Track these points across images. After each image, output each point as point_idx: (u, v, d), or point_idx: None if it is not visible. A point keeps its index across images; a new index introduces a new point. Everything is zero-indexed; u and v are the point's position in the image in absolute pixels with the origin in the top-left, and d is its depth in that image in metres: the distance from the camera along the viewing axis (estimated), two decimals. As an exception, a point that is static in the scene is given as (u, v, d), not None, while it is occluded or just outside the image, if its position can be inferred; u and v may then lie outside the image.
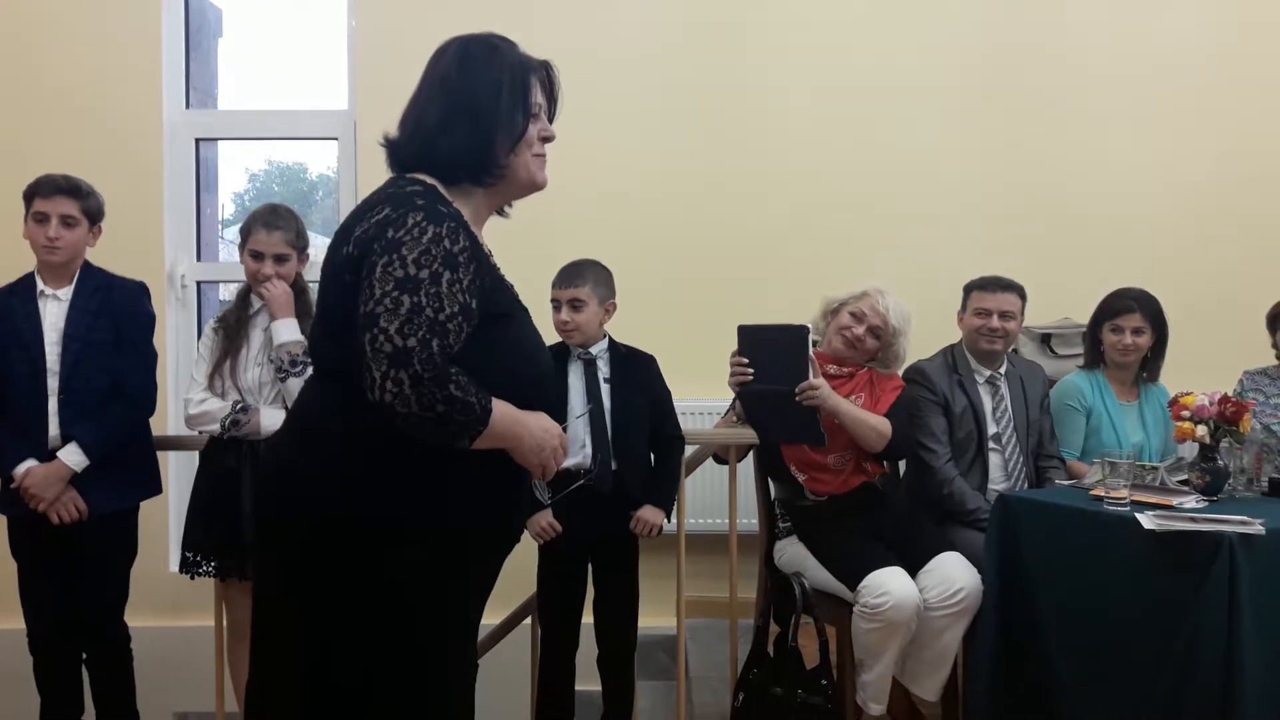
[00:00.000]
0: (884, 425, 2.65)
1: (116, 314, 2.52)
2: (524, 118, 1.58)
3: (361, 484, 1.47)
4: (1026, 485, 2.84)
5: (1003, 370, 2.91)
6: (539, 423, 1.54)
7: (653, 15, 3.69)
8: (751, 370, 2.60)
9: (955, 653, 2.55)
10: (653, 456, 2.66)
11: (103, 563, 2.52)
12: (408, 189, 1.50)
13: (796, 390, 2.54)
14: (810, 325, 2.63)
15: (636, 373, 2.66)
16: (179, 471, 3.63)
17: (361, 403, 1.40)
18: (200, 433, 2.54)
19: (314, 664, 1.49)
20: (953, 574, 2.49)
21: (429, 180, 1.54)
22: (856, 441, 2.66)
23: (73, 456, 2.41)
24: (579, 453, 2.55)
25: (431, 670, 1.52)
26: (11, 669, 2.60)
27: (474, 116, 1.54)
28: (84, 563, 2.50)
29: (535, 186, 1.65)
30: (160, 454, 2.68)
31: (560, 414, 1.61)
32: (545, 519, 2.54)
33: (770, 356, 2.59)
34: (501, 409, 1.46)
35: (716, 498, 3.38)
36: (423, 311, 1.39)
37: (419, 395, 1.37)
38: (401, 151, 1.59)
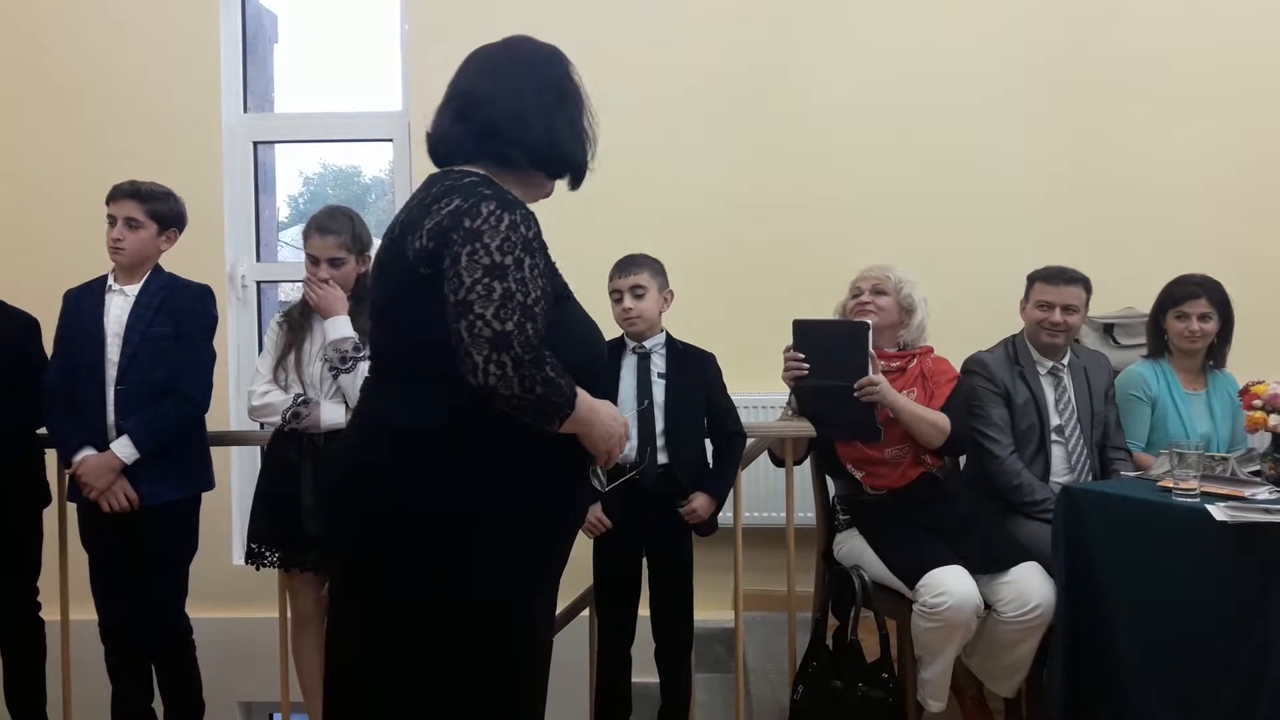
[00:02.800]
0: (942, 420, 2.61)
1: (178, 312, 2.57)
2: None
3: (449, 473, 1.49)
4: (1091, 477, 2.78)
5: (1066, 361, 2.85)
6: (609, 410, 1.59)
7: (706, 13, 3.69)
8: (807, 365, 2.59)
9: (1031, 659, 2.50)
10: (711, 452, 2.66)
11: (163, 556, 2.57)
12: (466, 180, 1.52)
13: (856, 385, 2.52)
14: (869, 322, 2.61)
15: (693, 369, 2.65)
16: (241, 466, 3.71)
17: (451, 396, 1.45)
18: (262, 425, 2.59)
19: (403, 642, 1.52)
20: (1029, 588, 2.42)
21: (480, 170, 1.56)
22: (915, 438, 2.63)
23: (123, 448, 2.47)
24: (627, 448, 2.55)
25: (519, 646, 1.56)
26: (88, 658, 2.67)
27: (577, 121, 1.64)
28: (145, 555, 2.55)
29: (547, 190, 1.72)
30: (223, 449, 2.75)
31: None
32: (595, 513, 2.55)
33: (826, 352, 2.58)
34: (581, 394, 1.50)
35: (772, 491, 3.37)
36: (514, 296, 1.42)
37: (521, 377, 1.41)
38: (493, 139, 1.57)
